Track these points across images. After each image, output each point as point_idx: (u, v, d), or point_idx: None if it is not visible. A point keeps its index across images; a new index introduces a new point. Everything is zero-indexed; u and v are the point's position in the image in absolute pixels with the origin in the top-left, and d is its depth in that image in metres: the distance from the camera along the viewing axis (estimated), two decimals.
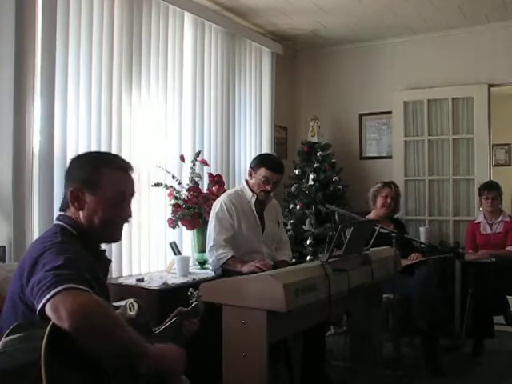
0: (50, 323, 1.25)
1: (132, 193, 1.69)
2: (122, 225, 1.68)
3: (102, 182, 1.59)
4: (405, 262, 3.69)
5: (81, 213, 1.59)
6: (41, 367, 1.17)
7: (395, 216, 4.21)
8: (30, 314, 1.36)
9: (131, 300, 1.56)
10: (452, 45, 4.90)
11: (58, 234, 1.53)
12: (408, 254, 3.82)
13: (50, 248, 1.44)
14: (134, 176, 1.71)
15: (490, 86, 4.79)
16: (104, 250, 1.72)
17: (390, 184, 4.11)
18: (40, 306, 1.29)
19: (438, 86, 4.91)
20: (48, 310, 1.28)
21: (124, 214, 1.65)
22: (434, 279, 3.62)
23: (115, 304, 1.63)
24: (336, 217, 3.20)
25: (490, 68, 4.74)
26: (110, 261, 1.76)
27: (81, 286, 1.32)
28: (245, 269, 2.92)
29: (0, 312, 1.53)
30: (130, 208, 1.68)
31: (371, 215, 4.05)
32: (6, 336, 1.27)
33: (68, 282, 1.31)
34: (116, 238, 1.70)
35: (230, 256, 3.03)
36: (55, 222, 1.63)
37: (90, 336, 1.26)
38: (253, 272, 2.80)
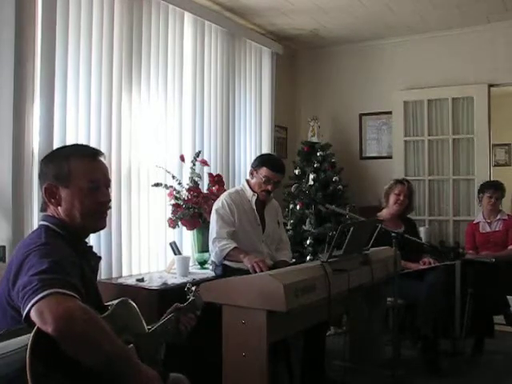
0: (35, 329, 1.23)
1: (106, 177, 1.65)
2: (104, 211, 1.64)
3: (73, 173, 1.57)
4: (414, 266, 3.67)
5: (59, 208, 1.57)
6: (25, 375, 1.16)
7: (408, 215, 4.10)
8: (19, 318, 1.33)
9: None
10: (452, 45, 4.90)
11: (43, 235, 1.50)
12: (416, 255, 3.75)
13: (35, 250, 1.41)
14: (105, 161, 1.67)
15: (490, 85, 4.79)
16: (91, 247, 1.70)
17: (402, 181, 4.01)
18: (26, 311, 1.27)
19: (438, 85, 4.92)
20: (33, 315, 1.25)
21: (101, 200, 1.61)
22: (442, 286, 3.56)
23: (107, 303, 1.61)
24: (347, 216, 3.21)
25: (490, 68, 4.74)
26: (99, 258, 1.73)
27: (67, 291, 1.29)
28: (246, 260, 2.90)
29: None
30: (107, 192, 1.64)
31: (383, 213, 3.95)
32: None
33: (53, 286, 1.28)
34: (100, 226, 1.66)
35: (232, 247, 3.01)
36: (39, 222, 1.61)
37: (73, 342, 1.24)
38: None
